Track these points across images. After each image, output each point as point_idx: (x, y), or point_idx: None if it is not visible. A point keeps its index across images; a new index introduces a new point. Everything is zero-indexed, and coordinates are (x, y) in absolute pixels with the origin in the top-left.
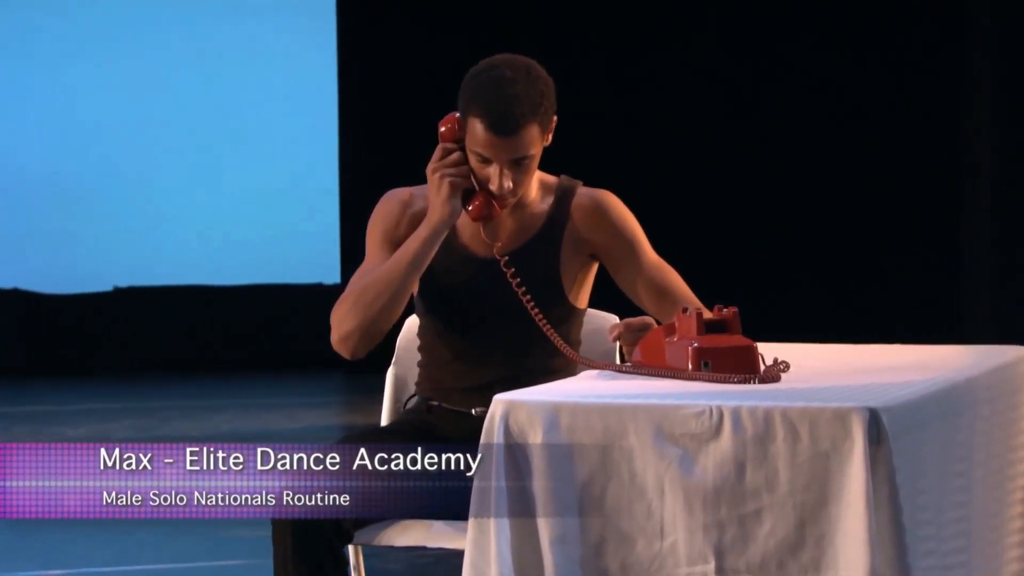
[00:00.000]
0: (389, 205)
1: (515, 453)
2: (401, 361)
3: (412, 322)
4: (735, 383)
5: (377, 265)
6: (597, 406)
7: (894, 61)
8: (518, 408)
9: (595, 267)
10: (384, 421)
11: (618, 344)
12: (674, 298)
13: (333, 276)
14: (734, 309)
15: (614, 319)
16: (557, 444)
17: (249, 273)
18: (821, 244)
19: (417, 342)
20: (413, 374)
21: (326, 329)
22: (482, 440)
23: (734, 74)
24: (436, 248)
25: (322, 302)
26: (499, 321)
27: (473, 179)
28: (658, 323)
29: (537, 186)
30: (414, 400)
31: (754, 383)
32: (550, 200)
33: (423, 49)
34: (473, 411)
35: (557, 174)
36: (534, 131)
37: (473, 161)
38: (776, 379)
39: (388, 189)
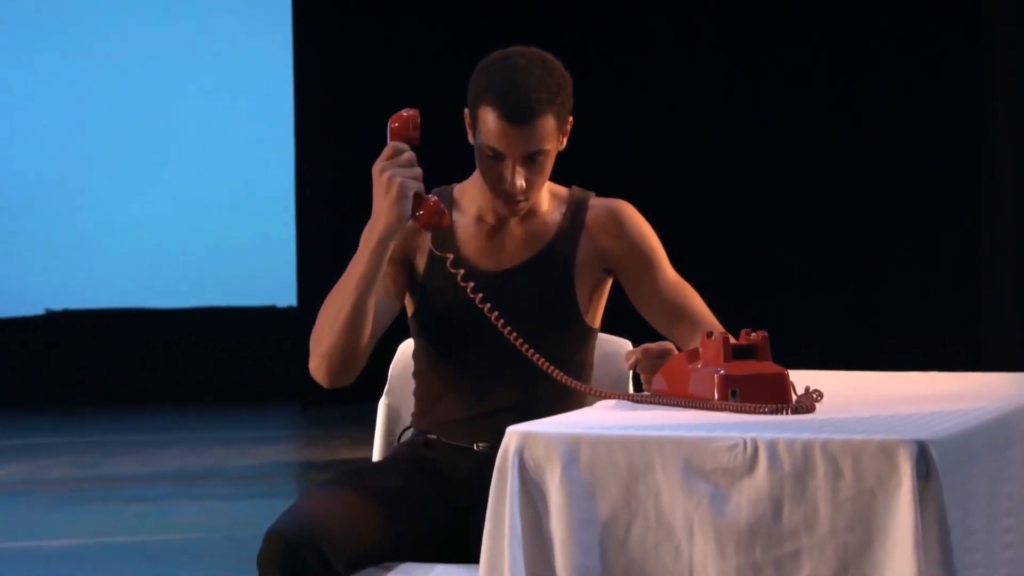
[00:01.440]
0: None
1: (530, 490)
2: (395, 390)
3: (407, 347)
4: (765, 414)
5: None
6: (620, 438)
7: (908, 95)
8: (534, 441)
9: (609, 284)
10: (376, 456)
11: (631, 372)
12: (694, 321)
13: (288, 298)
14: (763, 333)
15: (626, 344)
16: (577, 480)
17: (196, 295)
18: (830, 264)
19: (412, 368)
20: (408, 404)
21: (281, 355)
22: (495, 476)
23: (745, 83)
24: (386, 258)
25: (276, 326)
26: (505, 343)
27: (422, 186)
28: (677, 348)
29: (548, 196)
30: (409, 433)
31: (786, 414)
32: (562, 210)
33: (387, 52)
34: (476, 446)
35: (568, 185)
36: (550, 123)
37: (483, 160)
38: (810, 409)
39: (349, 203)
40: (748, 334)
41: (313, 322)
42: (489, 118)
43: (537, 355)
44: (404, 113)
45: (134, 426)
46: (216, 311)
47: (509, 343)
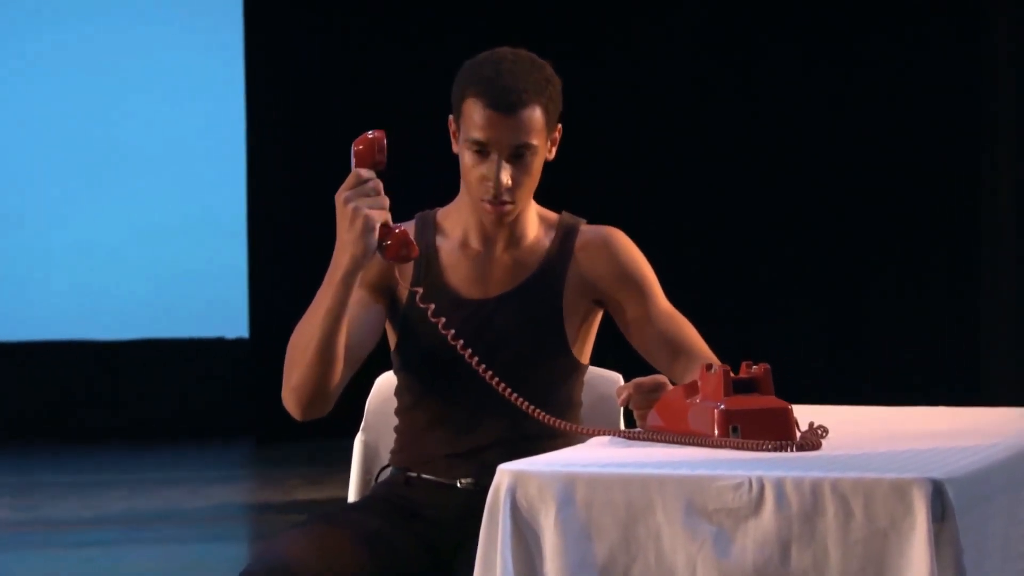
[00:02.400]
0: None
1: (523, 531)
2: (372, 427)
3: (384, 382)
4: (769, 451)
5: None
6: (619, 477)
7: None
8: (527, 480)
9: (599, 317)
10: (352, 497)
11: (622, 408)
12: (689, 353)
13: (239, 329)
14: (765, 366)
15: (617, 378)
16: (573, 521)
17: (140, 326)
18: (822, 290)
19: (391, 404)
20: (386, 441)
21: (232, 390)
22: (485, 517)
23: (731, 97)
24: (351, 292)
25: (226, 359)
26: (497, 372)
27: (388, 218)
28: (671, 382)
29: (536, 221)
30: (388, 472)
31: (791, 451)
32: (551, 236)
33: (344, 69)
34: (458, 483)
35: (558, 211)
36: (538, 116)
37: (467, 159)
38: (816, 446)
39: (304, 227)
40: (749, 367)
41: (265, 354)
42: (474, 109)
43: (516, 395)
44: (369, 135)
45: (76, 466)
46: (162, 343)
47: (499, 375)
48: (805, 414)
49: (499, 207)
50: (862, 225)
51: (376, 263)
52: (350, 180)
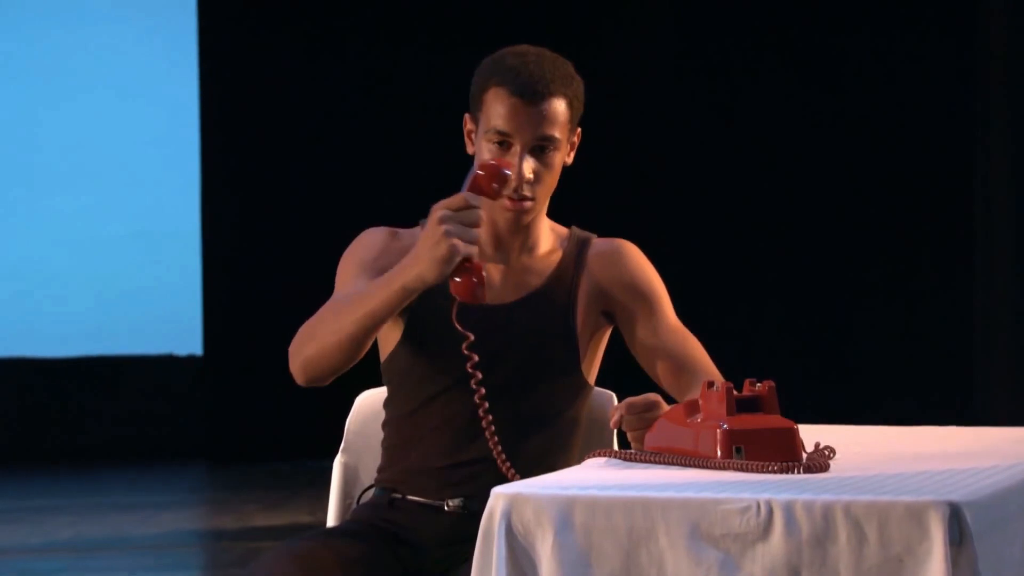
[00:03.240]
0: (373, 236)
1: (519, 558)
2: (353, 447)
3: (366, 401)
4: (774, 473)
5: (344, 295)
6: (620, 500)
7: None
8: (523, 503)
9: (608, 333)
10: (331, 521)
11: (615, 430)
12: (695, 371)
13: (192, 346)
14: (770, 383)
15: (609, 396)
16: (571, 546)
17: (86, 342)
18: (811, 308)
19: (372, 424)
20: (366, 463)
21: (184, 410)
22: (479, 542)
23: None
24: (400, 307)
25: (179, 377)
26: (492, 390)
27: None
28: (669, 401)
29: (548, 232)
30: (371, 493)
31: (798, 473)
32: (563, 247)
33: (298, 76)
34: (446, 505)
35: (568, 225)
36: (562, 108)
37: (486, 153)
38: (824, 468)
39: (260, 236)
40: (753, 384)
41: (220, 371)
42: (497, 98)
43: (497, 442)
44: (493, 161)
45: (20, 491)
46: (109, 360)
47: (496, 391)
48: (808, 434)
49: (519, 203)
50: (853, 239)
51: (392, 258)
52: (455, 200)
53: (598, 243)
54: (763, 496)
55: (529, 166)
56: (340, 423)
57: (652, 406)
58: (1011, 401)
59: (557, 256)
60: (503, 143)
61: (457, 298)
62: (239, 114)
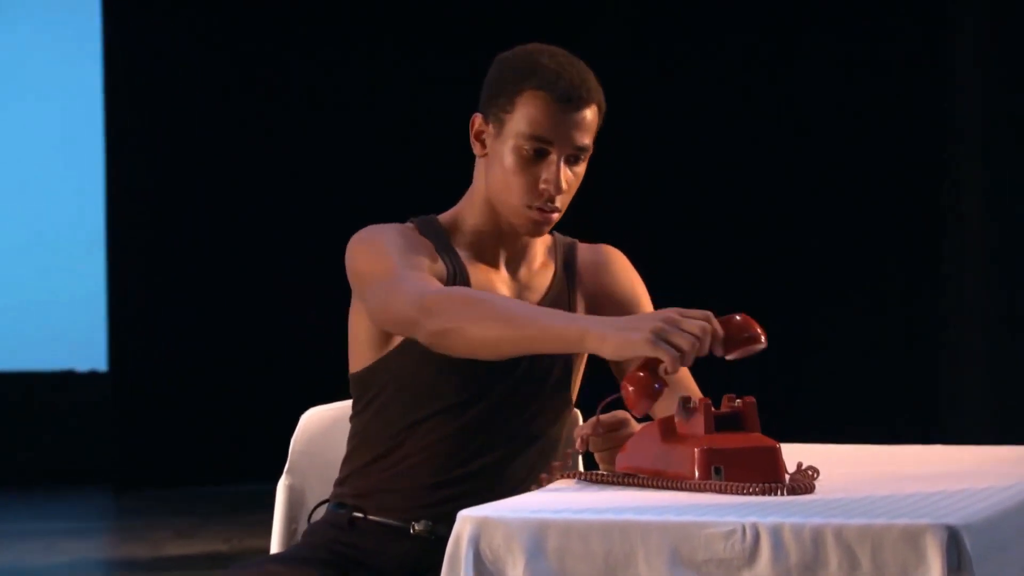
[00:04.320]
0: (390, 228)
1: None
2: (298, 468)
3: (312, 419)
4: (756, 495)
5: (421, 271)
6: (597, 524)
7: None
8: (492, 527)
9: None
10: (275, 547)
11: (580, 451)
12: (674, 386)
13: (96, 360)
14: (750, 400)
15: (575, 415)
16: (544, 573)
17: None
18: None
19: (318, 444)
20: (313, 484)
21: (88, 431)
22: (444, 569)
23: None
24: (557, 351)
25: (81, 395)
26: (489, 408)
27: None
28: (639, 420)
29: (539, 241)
30: (325, 509)
31: (781, 495)
32: (554, 258)
33: (207, 80)
34: (412, 528)
35: (551, 231)
36: (595, 116)
37: (512, 160)
38: (809, 489)
39: (169, 243)
40: (732, 400)
41: (126, 388)
42: (537, 102)
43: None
44: (740, 318)
45: None
46: (4, 377)
47: (492, 408)
48: (788, 454)
49: (548, 214)
50: (818, 252)
51: (424, 252)
52: (701, 314)
53: (584, 250)
54: (748, 519)
55: (564, 177)
56: (259, 444)
57: (622, 424)
58: (979, 418)
59: (550, 269)
60: (539, 151)
61: (624, 398)
62: (147, 117)
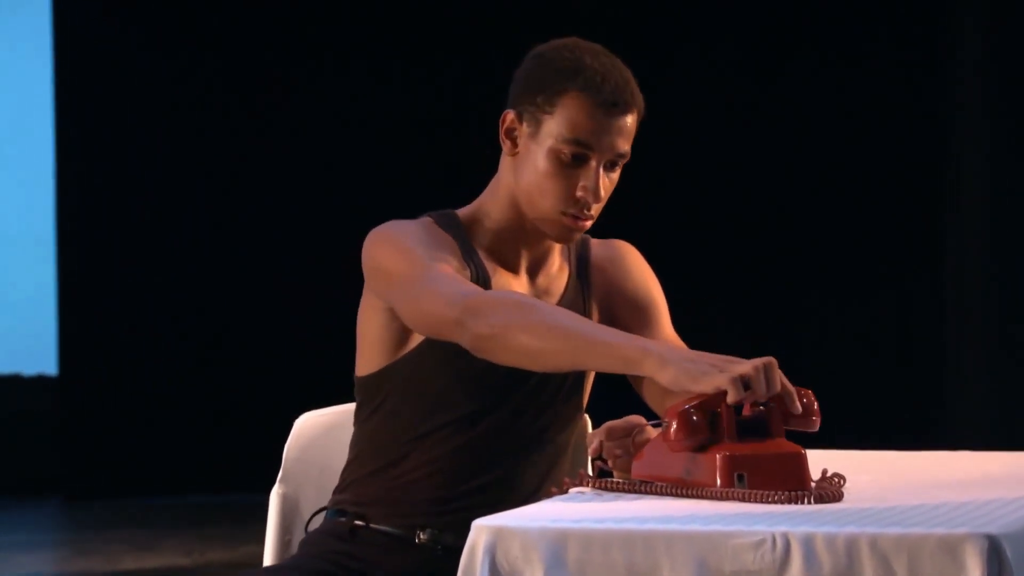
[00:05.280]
0: (410, 224)
1: None
2: (292, 476)
3: (306, 424)
4: (781, 503)
5: (453, 271)
6: (619, 534)
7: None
8: (509, 537)
9: None
10: (268, 560)
11: (589, 459)
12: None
13: (45, 364)
14: (775, 402)
15: (584, 421)
16: None
17: None
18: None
19: (313, 451)
20: (308, 494)
21: (35, 438)
22: None
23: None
24: (610, 370)
25: (27, 400)
26: (508, 412)
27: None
28: (653, 424)
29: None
30: (323, 517)
31: (808, 503)
32: (567, 256)
33: (162, 70)
34: (417, 537)
35: None
36: (635, 122)
37: (547, 164)
38: (837, 497)
39: (122, 242)
40: (755, 404)
41: (78, 393)
42: (581, 105)
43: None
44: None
45: None
46: None
47: (506, 418)
48: (810, 460)
49: (582, 222)
50: (816, 252)
51: (447, 248)
52: (767, 361)
53: (596, 247)
54: (778, 529)
55: (603, 184)
56: (219, 452)
57: (632, 429)
58: (981, 422)
59: (564, 276)
60: (579, 156)
61: (664, 428)
62: (98, 114)
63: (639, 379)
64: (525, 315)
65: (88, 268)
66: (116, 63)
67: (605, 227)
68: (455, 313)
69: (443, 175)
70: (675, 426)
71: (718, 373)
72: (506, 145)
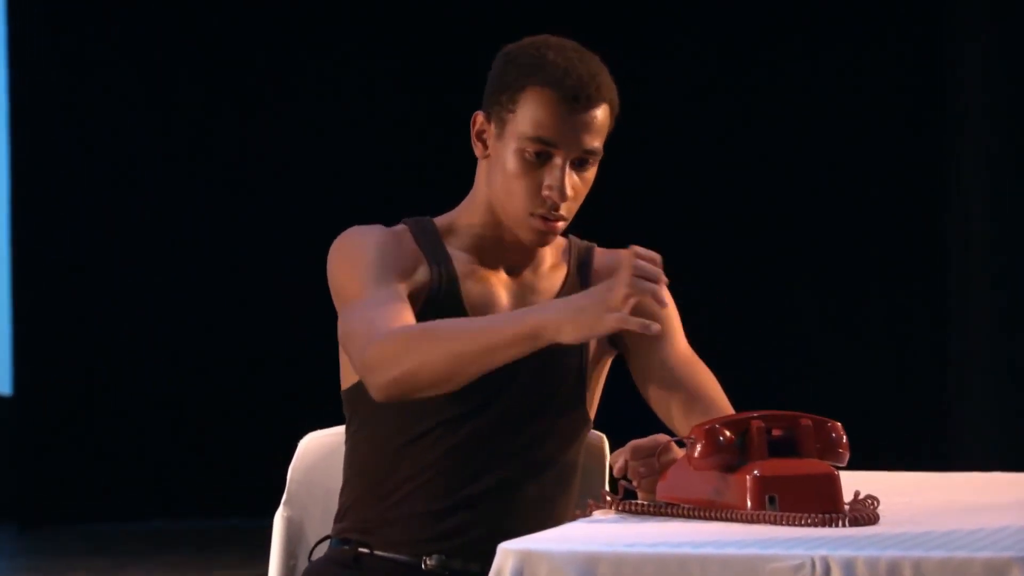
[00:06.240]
0: (370, 234)
1: None
2: (297, 498)
3: (311, 444)
4: (814, 525)
5: (386, 296)
6: (652, 558)
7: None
8: (536, 561)
9: (610, 362)
10: None
11: (607, 477)
12: (707, 408)
13: (0, 384)
14: (807, 421)
15: (600, 438)
16: None
17: None
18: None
19: (318, 472)
20: (313, 516)
21: None
22: None
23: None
24: (522, 355)
25: None
26: (499, 418)
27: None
28: (679, 443)
29: (551, 244)
30: (326, 546)
31: (843, 526)
32: (566, 263)
33: (121, 81)
34: (424, 563)
35: (565, 234)
36: (606, 118)
37: (514, 164)
38: (873, 519)
39: (81, 254)
40: (782, 423)
41: (33, 414)
42: (541, 101)
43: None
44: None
45: None
46: None
47: (493, 423)
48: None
49: (552, 223)
50: (820, 267)
51: (411, 263)
52: (648, 256)
53: (601, 256)
54: (818, 552)
55: (570, 182)
56: (183, 476)
57: (657, 448)
58: (985, 442)
59: (561, 274)
60: (542, 154)
61: (688, 448)
62: (55, 122)
63: (649, 394)
64: (416, 344)
65: (44, 280)
66: (74, 73)
67: (604, 228)
68: (360, 368)
69: (444, 177)
70: (701, 446)
71: (606, 313)
72: (477, 148)
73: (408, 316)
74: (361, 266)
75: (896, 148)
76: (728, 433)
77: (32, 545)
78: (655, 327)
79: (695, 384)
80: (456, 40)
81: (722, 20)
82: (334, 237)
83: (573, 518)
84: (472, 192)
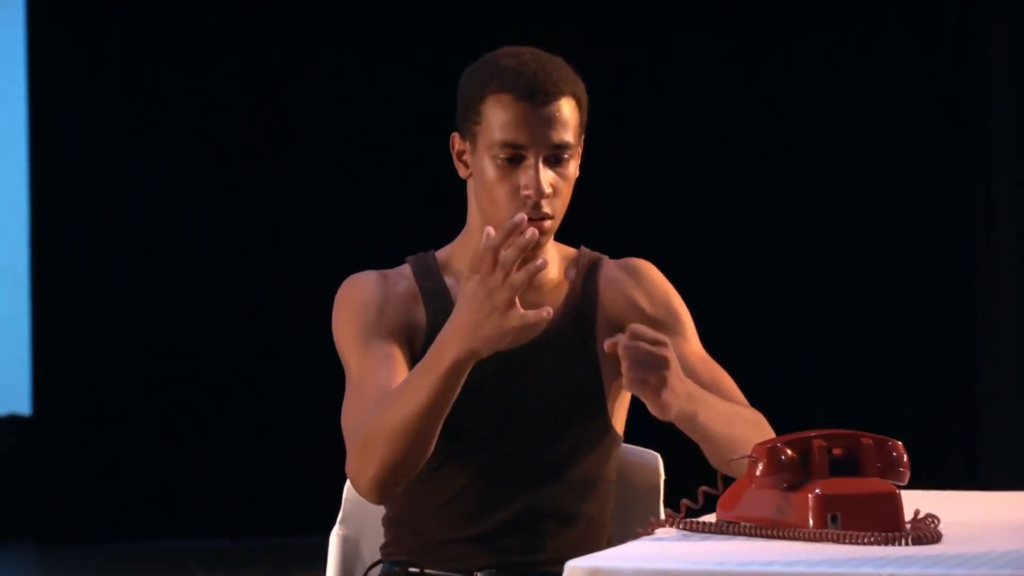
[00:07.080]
0: (364, 287)
1: None
2: (352, 517)
3: None
4: (877, 544)
5: (370, 376)
6: (720, 575)
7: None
8: None
9: None
10: None
11: (661, 496)
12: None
13: (18, 403)
14: (868, 440)
15: (654, 456)
16: None
17: None
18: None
19: None
20: (369, 535)
21: (6, 482)
22: None
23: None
24: (462, 382)
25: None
26: (520, 438)
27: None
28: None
29: (555, 254)
30: (379, 570)
31: (906, 544)
32: (573, 274)
33: (131, 93)
34: None
35: (575, 245)
36: (573, 110)
37: (491, 173)
38: (936, 538)
39: (100, 275)
40: (842, 442)
41: (53, 434)
42: (501, 105)
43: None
44: None
45: None
46: None
47: (517, 444)
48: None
49: (538, 222)
50: (840, 272)
51: (394, 311)
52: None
53: (609, 266)
54: (885, 571)
55: (547, 179)
56: (199, 496)
57: (659, 343)
58: (1017, 462)
59: (563, 290)
60: (514, 157)
61: (749, 468)
62: (75, 137)
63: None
64: (362, 445)
65: (63, 301)
66: (91, 88)
67: (603, 228)
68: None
69: (452, 176)
70: (763, 464)
71: (500, 317)
72: (460, 170)
73: (397, 374)
74: (352, 331)
75: (919, 151)
76: (790, 452)
77: (51, 564)
78: (546, 311)
79: (712, 380)
80: (466, 43)
81: (738, 17)
82: (374, 247)
83: (635, 536)
84: (468, 219)
